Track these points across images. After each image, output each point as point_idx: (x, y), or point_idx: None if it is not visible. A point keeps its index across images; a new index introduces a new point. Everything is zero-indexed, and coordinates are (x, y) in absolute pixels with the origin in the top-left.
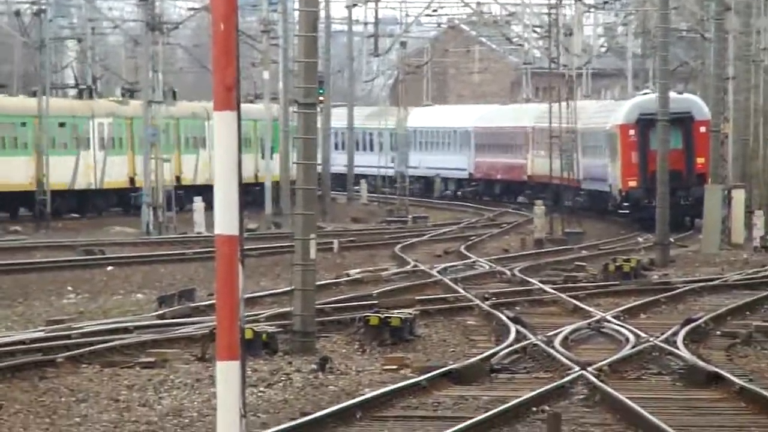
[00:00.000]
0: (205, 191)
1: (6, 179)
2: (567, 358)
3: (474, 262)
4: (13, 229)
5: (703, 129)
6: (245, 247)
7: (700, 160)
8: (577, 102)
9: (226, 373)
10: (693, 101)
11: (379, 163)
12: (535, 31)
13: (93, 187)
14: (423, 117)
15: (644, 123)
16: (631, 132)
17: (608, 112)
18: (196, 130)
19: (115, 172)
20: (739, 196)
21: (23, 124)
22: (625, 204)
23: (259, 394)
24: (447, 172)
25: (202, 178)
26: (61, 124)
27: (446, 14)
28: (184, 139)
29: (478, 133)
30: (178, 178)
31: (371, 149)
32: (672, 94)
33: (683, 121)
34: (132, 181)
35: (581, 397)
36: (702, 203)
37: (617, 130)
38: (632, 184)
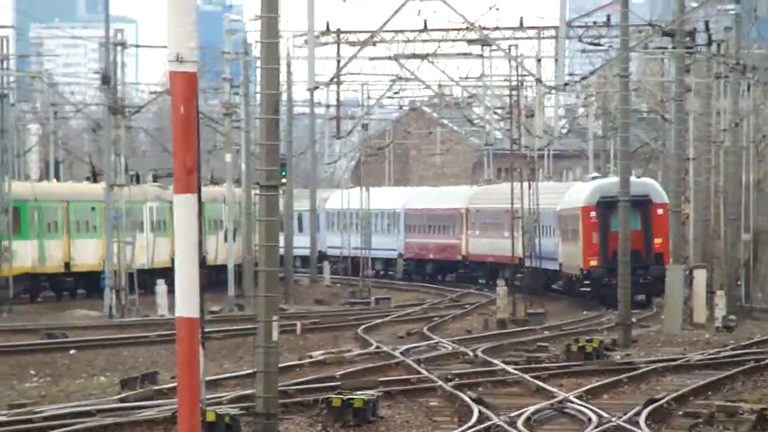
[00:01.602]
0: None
1: (82, 260)
2: None
3: (437, 343)
4: None
5: (660, 211)
6: (207, 330)
7: (657, 241)
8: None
9: None
10: (651, 185)
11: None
12: (496, 113)
13: (145, 267)
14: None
15: (604, 205)
16: (592, 213)
17: (558, 195)
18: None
19: (162, 252)
20: (700, 276)
21: (93, 209)
22: (586, 282)
23: None
24: (376, 252)
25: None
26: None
27: (408, 96)
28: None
29: (409, 214)
30: (67, 264)
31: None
32: (631, 178)
33: (642, 204)
34: (172, 261)
35: None
36: (660, 281)
37: (579, 211)
38: (593, 263)
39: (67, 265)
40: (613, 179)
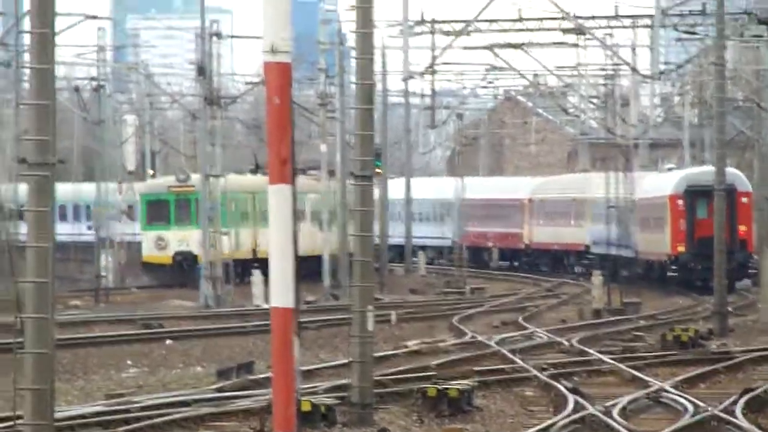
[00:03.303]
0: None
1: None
2: (626, 428)
3: (532, 332)
4: (72, 304)
5: (744, 200)
6: (302, 320)
7: (742, 228)
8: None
9: None
10: (736, 174)
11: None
12: (591, 102)
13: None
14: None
15: (691, 194)
16: (680, 202)
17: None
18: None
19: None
20: None
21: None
22: (674, 267)
23: None
24: (431, 241)
25: None
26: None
27: (503, 86)
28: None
29: (466, 204)
30: (254, 251)
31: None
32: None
33: (728, 192)
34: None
35: None
36: (744, 267)
37: (666, 200)
38: (681, 249)
39: (253, 251)
40: (697, 169)
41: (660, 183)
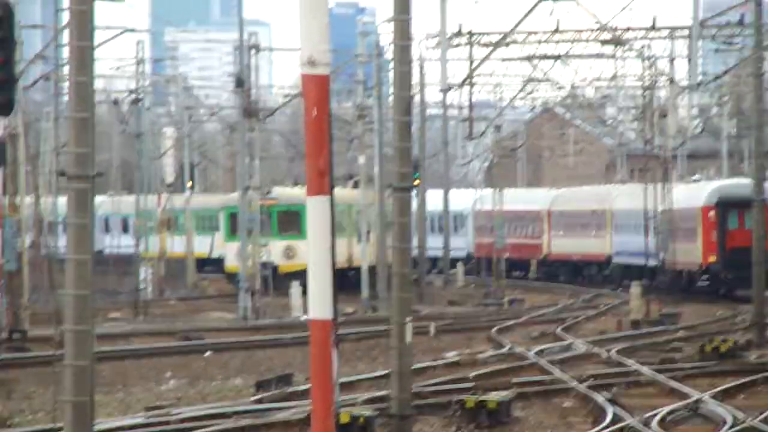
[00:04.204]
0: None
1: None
2: None
3: (570, 343)
4: (112, 316)
5: None
6: (341, 332)
7: None
8: (614, 186)
9: None
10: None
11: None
12: (629, 113)
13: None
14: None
15: (723, 205)
16: (711, 213)
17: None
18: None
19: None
20: None
21: (342, 212)
22: (705, 277)
23: None
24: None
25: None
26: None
27: (540, 97)
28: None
29: (479, 215)
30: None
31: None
32: (747, 180)
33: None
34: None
35: None
36: None
37: (698, 211)
38: (712, 259)
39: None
40: (728, 181)
41: (691, 194)
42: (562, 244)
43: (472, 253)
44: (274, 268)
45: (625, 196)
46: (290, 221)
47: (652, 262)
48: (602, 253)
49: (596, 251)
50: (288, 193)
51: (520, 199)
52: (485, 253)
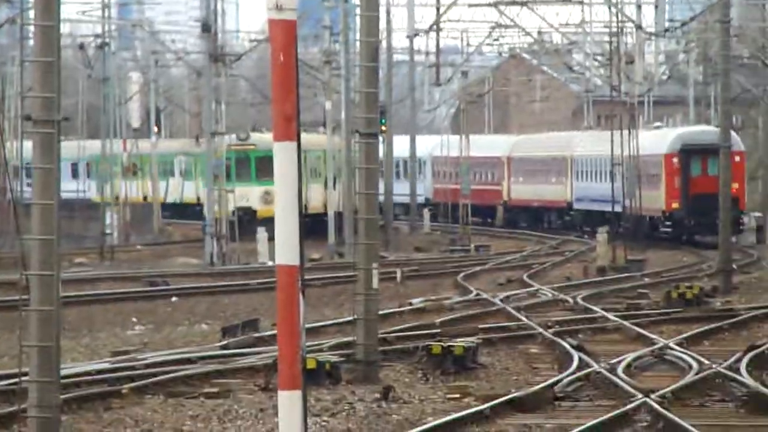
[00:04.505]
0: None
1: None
2: (630, 385)
3: (537, 290)
4: (78, 261)
5: (737, 158)
6: (307, 277)
7: (734, 185)
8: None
9: (289, 402)
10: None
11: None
12: (596, 59)
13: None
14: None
15: (686, 152)
16: (675, 160)
17: (604, 142)
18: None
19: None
20: None
21: (318, 158)
22: (668, 223)
23: (323, 423)
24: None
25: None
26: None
27: (508, 43)
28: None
29: (436, 161)
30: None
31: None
32: (710, 128)
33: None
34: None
35: (644, 424)
36: (736, 223)
37: (661, 158)
38: (675, 205)
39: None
40: (691, 128)
41: (655, 141)
42: (522, 190)
43: (431, 199)
44: (253, 213)
45: (587, 143)
46: (268, 167)
47: (617, 209)
48: (563, 199)
49: (556, 198)
50: (266, 138)
51: (481, 145)
52: (443, 198)
